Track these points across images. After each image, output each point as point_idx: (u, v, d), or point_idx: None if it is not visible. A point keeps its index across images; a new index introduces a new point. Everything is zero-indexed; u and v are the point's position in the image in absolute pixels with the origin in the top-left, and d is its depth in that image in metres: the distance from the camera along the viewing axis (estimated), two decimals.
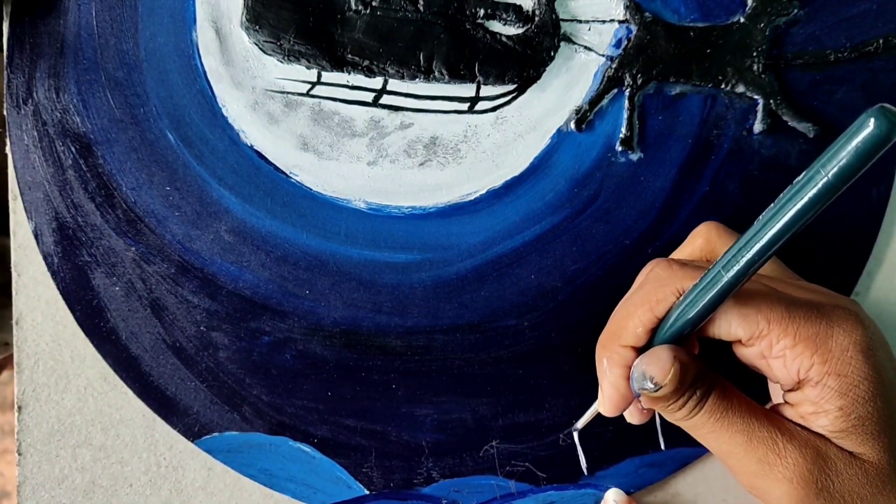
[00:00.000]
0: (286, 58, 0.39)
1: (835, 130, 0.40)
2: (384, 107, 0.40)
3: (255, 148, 0.40)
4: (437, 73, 0.39)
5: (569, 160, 0.41)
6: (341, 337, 0.41)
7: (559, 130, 0.40)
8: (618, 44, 0.40)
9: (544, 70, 0.40)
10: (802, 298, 0.30)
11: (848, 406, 0.29)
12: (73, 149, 0.40)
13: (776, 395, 0.36)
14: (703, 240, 0.35)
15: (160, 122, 0.40)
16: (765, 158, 0.41)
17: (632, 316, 0.31)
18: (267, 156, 0.40)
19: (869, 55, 0.40)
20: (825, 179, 0.25)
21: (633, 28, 0.40)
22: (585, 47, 0.40)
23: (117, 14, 0.39)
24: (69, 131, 0.40)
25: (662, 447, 0.40)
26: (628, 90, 0.40)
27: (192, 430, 0.41)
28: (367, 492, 0.41)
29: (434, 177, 0.40)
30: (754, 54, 0.40)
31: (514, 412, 0.41)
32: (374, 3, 0.39)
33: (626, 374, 0.31)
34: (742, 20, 0.40)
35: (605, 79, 0.40)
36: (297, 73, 0.40)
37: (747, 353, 0.31)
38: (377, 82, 0.40)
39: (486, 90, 0.40)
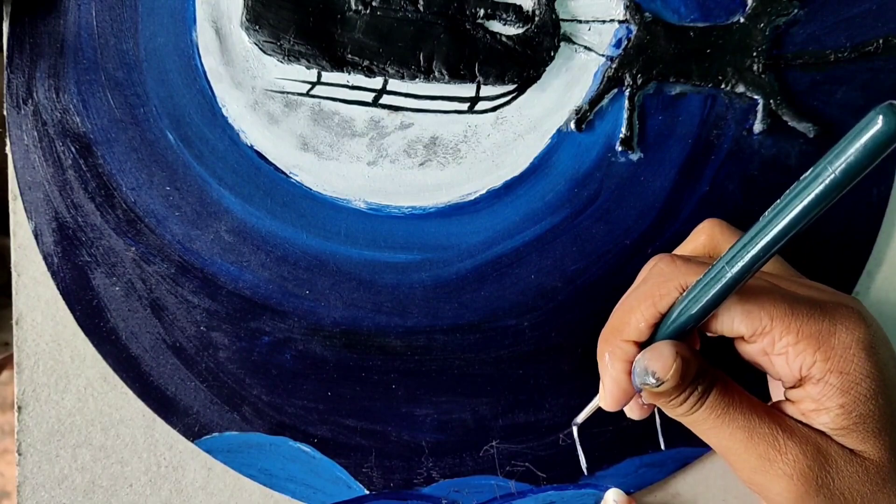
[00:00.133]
0: (286, 58, 0.39)
1: (835, 130, 0.40)
2: (384, 107, 0.40)
3: (255, 148, 0.40)
4: (437, 73, 0.39)
5: (569, 160, 0.41)
6: (341, 337, 0.41)
7: (559, 130, 0.40)
8: (618, 44, 0.40)
9: (544, 70, 0.40)
10: (805, 296, 0.30)
11: (849, 404, 0.29)
12: (73, 149, 0.40)
13: (776, 393, 0.36)
14: (706, 236, 0.35)
15: (160, 122, 0.40)
16: (765, 158, 0.41)
17: (634, 310, 0.31)
18: (267, 156, 0.40)
19: (869, 55, 0.40)
20: (832, 176, 0.25)
21: (633, 28, 0.40)
22: (585, 47, 0.40)
23: (117, 14, 0.39)
24: (69, 131, 0.40)
25: (662, 447, 0.40)
26: (628, 90, 0.40)
27: (192, 430, 0.41)
28: (367, 492, 0.41)
29: (434, 177, 0.40)
30: (754, 54, 0.40)
31: (514, 412, 0.41)
32: (374, 3, 0.39)
33: (627, 368, 0.31)
34: (742, 20, 0.40)
35: (605, 79, 0.40)
36: (297, 73, 0.40)
37: (749, 350, 0.31)
38: (377, 82, 0.40)
39: (486, 90, 0.40)
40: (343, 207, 0.40)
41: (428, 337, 0.41)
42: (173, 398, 0.41)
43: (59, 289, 0.40)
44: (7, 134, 0.40)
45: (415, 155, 0.40)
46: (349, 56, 0.39)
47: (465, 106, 0.40)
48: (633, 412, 0.34)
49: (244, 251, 0.40)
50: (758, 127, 0.40)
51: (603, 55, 0.40)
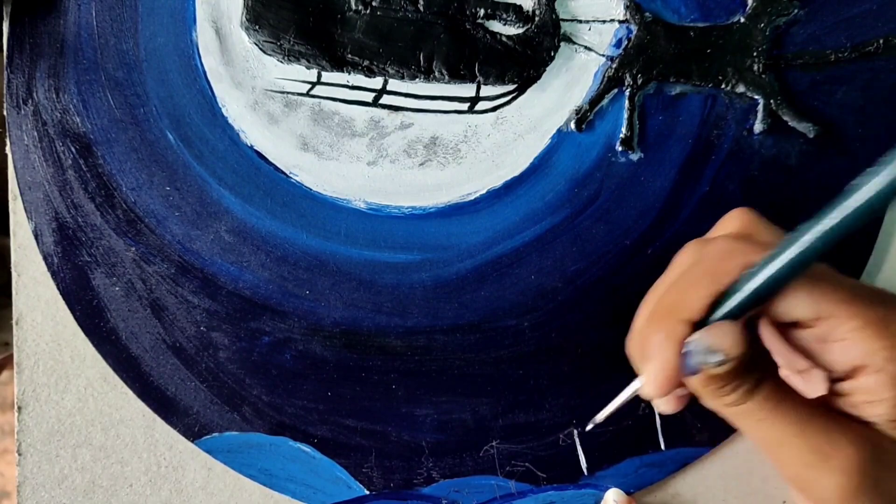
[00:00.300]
0: (286, 58, 0.39)
1: (835, 130, 0.40)
2: (384, 107, 0.40)
3: (255, 148, 0.40)
4: (437, 73, 0.39)
5: (569, 160, 0.41)
6: (341, 337, 0.41)
7: (559, 130, 0.40)
8: (618, 44, 0.40)
9: (544, 70, 0.40)
10: (861, 283, 0.29)
11: None
12: (73, 149, 0.40)
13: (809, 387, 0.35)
14: (739, 223, 0.33)
15: (160, 122, 0.40)
16: (765, 158, 0.41)
17: (694, 288, 0.29)
18: (267, 156, 0.40)
19: (869, 55, 0.40)
20: None
21: (634, 28, 0.40)
22: (585, 47, 0.40)
23: (117, 14, 0.39)
24: (69, 131, 0.40)
25: (662, 447, 0.40)
26: (628, 90, 0.40)
27: (192, 430, 0.41)
28: (367, 492, 0.41)
29: (434, 177, 0.40)
30: (754, 54, 0.40)
31: (514, 412, 0.41)
32: (374, 3, 0.39)
33: (679, 350, 0.29)
34: (742, 20, 0.40)
35: (606, 79, 0.40)
36: (297, 73, 0.40)
37: (804, 336, 0.29)
38: (377, 82, 0.40)
39: (486, 90, 0.40)
40: (343, 207, 0.40)
41: (428, 337, 0.41)
42: (173, 398, 0.41)
43: (59, 289, 0.40)
44: (7, 134, 0.40)
45: (415, 155, 0.40)
46: (349, 56, 0.39)
47: (465, 106, 0.40)
48: (668, 404, 0.33)
49: (244, 251, 0.40)
50: (758, 127, 0.40)
51: (603, 55, 0.40)
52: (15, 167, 0.40)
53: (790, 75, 0.40)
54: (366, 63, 0.39)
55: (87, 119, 0.40)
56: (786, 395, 0.29)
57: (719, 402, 0.30)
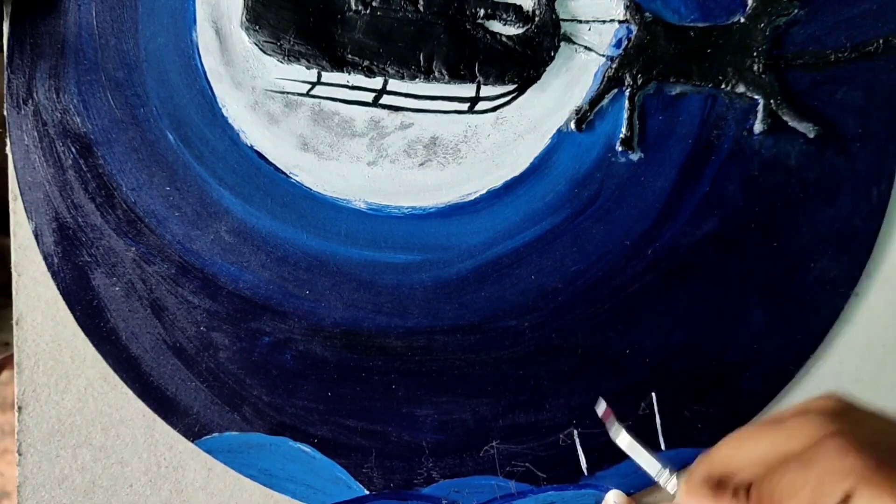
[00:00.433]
0: (286, 58, 0.39)
1: (835, 130, 0.40)
2: (384, 107, 0.40)
3: (255, 148, 0.40)
4: (437, 73, 0.39)
5: (569, 160, 0.40)
6: (341, 337, 0.41)
7: (559, 130, 0.40)
8: (618, 44, 0.40)
9: (544, 70, 0.40)
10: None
11: None
12: (73, 149, 0.40)
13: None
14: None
15: (160, 123, 0.40)
16: (765, 158, 0.41)
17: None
18: (267, 156, 0.40)
19: (869, 55, 0.40)
20: None
21: (634, 28, 0.40)
22: (585, 47, 0.40)
23: (117, 14, 0.39)
24: (69, 131, 0.40)
25: (663, 447, 0.40)
26: (628, 90, 0.40)
27: (192, 430, 0.41)
28: (367, 492, 0.41)
29: (434, 177, 0.40)
30: (755, 54, 0.40)
31: (514, 412, 0.41)
32: (374, 4, 0.39)
33: None
34: (742, 20, 0.40)
35: (606, 79, 0.40)
36: (297, 73, 0.40)
37: None
38: (377, 82, 0.40)
39: (486, 90, 0.40)
40: (343, 207, 0.40)
41: (428, 337, 0.41)
42: (173, 398, 0.41)
43: (59, 289, 0.40)
44: (7, 134, 0.40)
45: (415, 155, 0.40)
46: (349, 56, 0.39)
47: (465, 106, 0.40)
48: None
49: (244, 251, 0.40)
50: (758, 127, 0.40)
51: (603, 55, 0.40)
52: (15, 167, 0.40)
53: (790, 75, 0.40)
54: (366, 63, 0.39)
55: (88, 119, 0.40)
56: None
57: None
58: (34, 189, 0.40)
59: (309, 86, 0.40)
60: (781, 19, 0.40)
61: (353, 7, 0.39)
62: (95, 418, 0.41)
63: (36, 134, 0.40)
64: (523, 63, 0.40)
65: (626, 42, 0.40)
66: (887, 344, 0.42)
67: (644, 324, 0.41)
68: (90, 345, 0.40)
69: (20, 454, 0.41)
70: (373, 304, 0.41)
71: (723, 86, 0.40)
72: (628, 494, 0.41)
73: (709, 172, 0.41)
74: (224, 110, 0.40)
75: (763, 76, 0.40)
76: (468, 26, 0.39)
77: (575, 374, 0.41)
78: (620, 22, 0.40)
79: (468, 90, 0.40)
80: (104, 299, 0.40)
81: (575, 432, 0.41)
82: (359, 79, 0.40)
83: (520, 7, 0.40)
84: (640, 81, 0.40)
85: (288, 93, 0.40)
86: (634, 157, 0.40)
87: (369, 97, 0.40)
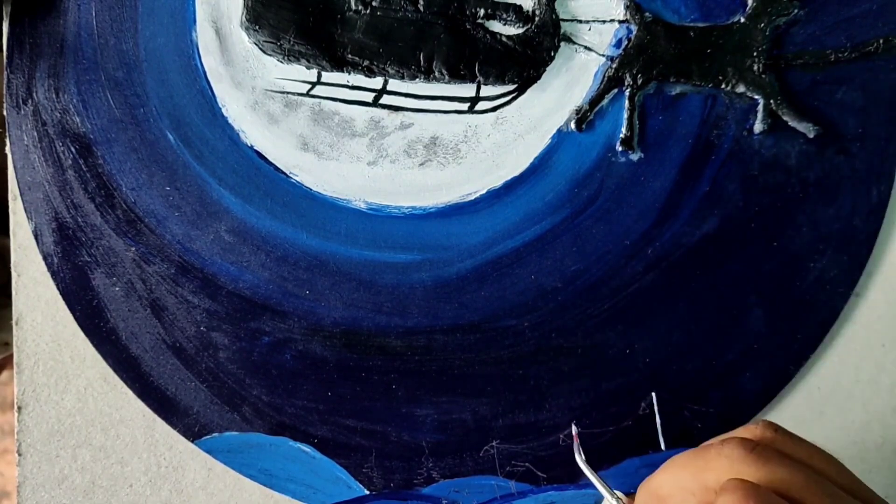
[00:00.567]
0: (286, 58, 0.39)
1: (835, 130, 0.40)
2: (384, 107, 0.40)
3: (255, 148, 0.40)
4: (437, 73, 0.39)
5: (569, 160, 0.40)
6: (341, 337, 0.41)
7: (559, 130, 0.40)
8: (618, 44, 0.40)
9: (544, 70, 0.40)
10: None
11: None
12: (72, 149, 0.40)
13: None
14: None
15: (160, 123, 0.40)
16: (765, 158, 0.41)
17: None
18: (267, 156, 0.40)
19: (869, 55, 0.40)
20: None
21: (634, 28, 0.40)
22: (585, 47, 0.40)
23: (117, 14, 0.39)
24: (69, 131, 0.40)
25: (663, 447, 0.40)
26: (628, 90, 0.40)
27: (192, 430, 0.41)
28: (367, 492, 0.41)
29: (434, 177, 0.40)
30: (755, 54, 0.40)
31: (514, 412, 0.41)
32: (374, 3, 0.39)
33: None
34: (742, 20, 0.40)
35: (606, 79, 0.40)
36: (297, 73, 0.40)
37: None
38: (377, 82, 0.40)
39: (487, 90, 0.40)
40: (343, 207, 0.40)
41: (428, 337, 0.41)
42: (173, 398, 0.41)
43: (59, 289, 0.40)
44: (7, 134, 0.40)
45: (415, 155, 0.40)
46: (349, 56, 0.39)
47: (465, 106, 0.40)
48: None
49: (244, 251, 0.40)
50: (758, 127, 0.40)
51: (603, 55, 0.40)
52: (15, 167, 0.40)
53: (790, 75, 0.40)
54: (366, 63, 0.39)
55: (87, 119, 0.40)
56: None
57: None
58: (34, 189, 0.40)
59: (309, 86, 0.40)
60: (781, 19, 0.40)
61: (353, 7, 0.39)
62: (95, 418, 0.41)
63: (35, 134, 0.40)
64: (523, 63, 0.40)
65: (626, 42, 0.40)
66: (887, 344, 0.42)
67: (644, 324, 0.41)
68: (90, 345, 0.40)
69: (20, 454, 0.41)
70: (373, 304, 0.41)
71: (723, 86, 0.40)
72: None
73: (709, 172, 0.41)
74: (224, 110, 0.40)
75: (763, 76, 0.40)
76: (468, 26, 0.39)
77: (575, 374, 0.41)
78: (620, 22, 0.40)
79: (468, 90, 0.40)
80: (104, 299, 0.40)
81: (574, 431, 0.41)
82: (359, 79, 0.40)
83: (520, 7, 0.40)
84: (640, 81, 0.40)
85: (288, 93, 0.40)
86: (634, 157, 0.40)
87: (369, 97, 0.40)
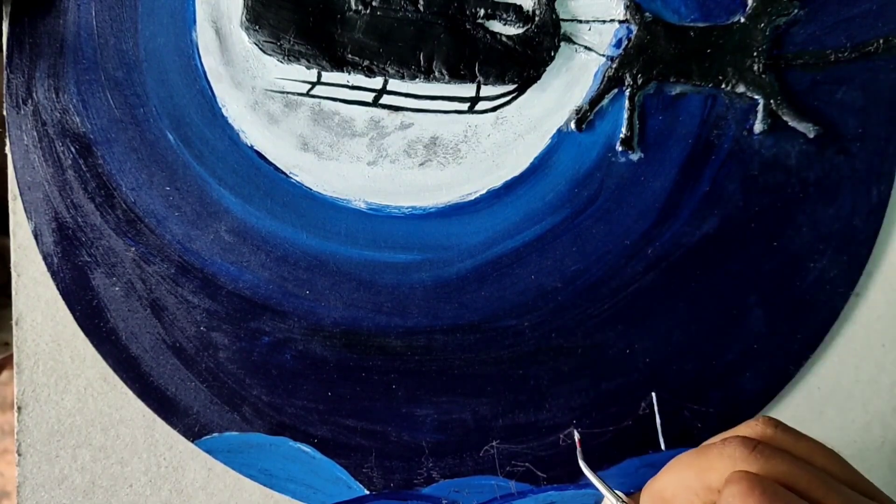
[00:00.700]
0: (286, 58, 0.39)
1: (835, 130, 0.40)
2: (384, 107, 0.40)
3: (255, 148, 0.40)
4: (437, 73, 0.39)
5: (569, 160, 0.40)
6: (341, 337, 0.41)
7: (559, 130, 0.40)
8: (618, 44, 0.40)
9: (544, 70, 0.40)
10: None
11: None
12: (72, 149, 0.40)
13: None
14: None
15: (160, 122, 0.40)
16: (765, 158, 0.41)
17: None
18: (267, 156, 0.40)
19: (869, 55, 0.40)
20: None
21: (634, 28, 0.40)
22: (585, 47, 0.40)
23: (117, 14, 0.39)
24: (69, 131, 0.40)
25: (663, 447, 0.40)
26: (628, 90, 0.40)
27: (192, 430, 0.41)
28: (367, 492, 0.41)
29: (434, 177, 0.40)
30: (755, 54, 0.40)
31: (514, 412, 0.41)
32: (374, 3, 0.39)
33: None
34: (742, 20, 0.40)
35: (606, 79, 0.40)
36: (297, 73, 0.40)
37: None
38: (377, 82, 0.40)
39: (487, 90, 0.40)
40: (343, 207, 0.40)
41: (428, 337, 0.41)
42: (173, 398, 0.41)
43: (59, 289, 0.40)
44: (7, 134, 0.40)
45: (415, 155, 0.40)
46: (349, 56, 0.39)
47: (465, 106, 0.40)
48: None
49: (244, 251, 0.40)
50: (758, 127, 0.40)
51: (603, 55, 0.40)
52: (15, 167, 0.40)
53: (790, 75, 0.40)
54: (366, 63, 0.39)
55: (87, 119, 0.40)
56: None
57: None
58: (33, 189, 0.40)
59: (309, 86, 0.40)
60: (781, 19, 0.40)
61: (353, 7, 0.39)
62: (95, 418, 0.41)
63: (35, 134, 0.40)
64: (523, 63, 0.40)
65: (626, 42, 0.40)
66: (887, 344, 0.42)
67: (644, 324, 0.41)
68: (90, 345, 0.40)
69: (20, 454, 0.41)
70: (373, 304, 0.41)
71: (723, 86, 0.40)
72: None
73: (709, 172, 0.41)
74: (224, 110, 0.40)
75: (763, 76, 0.40)
76: (468, 26, 0.39)
77: (575, 374, 0.41)
78: (620, 22, 0.40)
79: (468, 90, 0.40)
80: (104, 299, 0.40)
81: (575, 432, 0.41)
82: (359, 79, 0.40)
83: (520, 7, 0.40)
84: (640, 81, 0.40)
85: (288, 93, 0.40)
86: (634, 156, 0.40)
87: (369, 97, 0.40)
